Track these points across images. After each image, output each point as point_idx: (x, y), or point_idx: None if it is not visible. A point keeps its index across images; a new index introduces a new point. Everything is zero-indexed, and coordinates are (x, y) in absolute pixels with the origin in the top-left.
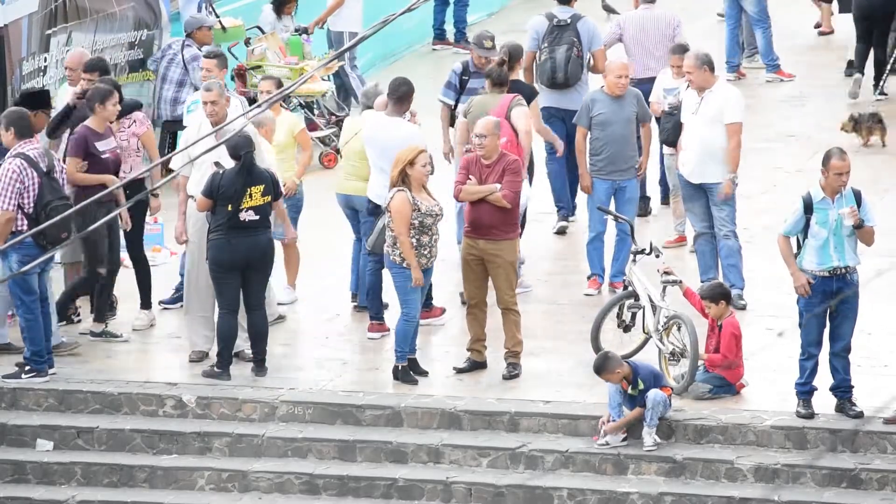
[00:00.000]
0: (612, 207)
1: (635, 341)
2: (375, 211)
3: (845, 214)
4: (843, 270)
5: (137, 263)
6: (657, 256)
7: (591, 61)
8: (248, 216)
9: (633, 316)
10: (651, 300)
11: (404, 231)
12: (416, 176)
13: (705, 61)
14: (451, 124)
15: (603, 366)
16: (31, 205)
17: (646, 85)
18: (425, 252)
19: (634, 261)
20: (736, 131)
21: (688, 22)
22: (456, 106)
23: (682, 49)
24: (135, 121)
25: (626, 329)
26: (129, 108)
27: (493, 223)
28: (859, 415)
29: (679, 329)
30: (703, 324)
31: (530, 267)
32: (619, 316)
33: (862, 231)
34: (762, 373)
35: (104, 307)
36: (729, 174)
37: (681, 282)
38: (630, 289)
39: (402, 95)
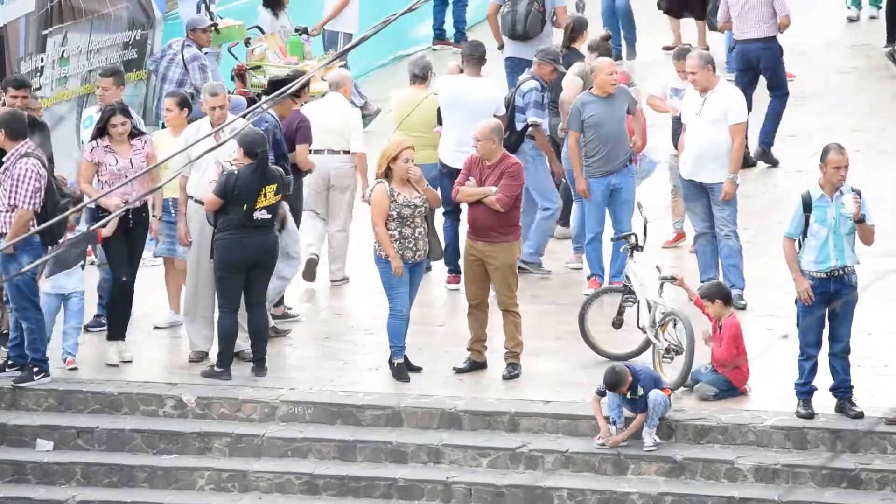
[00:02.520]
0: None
1: (637, 341)
2: (451, 175)
3: (848, 201)
4: (841, 272)
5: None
6: (636, 246)
7: (555, 16)
8: (261, 215)
9: (622, 311)
10: (647, 297)
11: (380, 222)
12: (398, 170)
13: (709, 60)
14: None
15: (616, 381)
16: (41, 204)
17: (745, 45)
18: (409, 245)
19: (632, 256)
20: (740, 132)
21: (688, 22)
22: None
23: (685, 53)
24: (146, 141)
25: (618, 325)
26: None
27: (490, 225)
28: (859, 415)
29: (675, 326)
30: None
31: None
32: (619, 313)
33: (862, 227)
34: (762, 373)
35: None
36: (730, 174)
37: (677, 278)
38: (627, 285)
39: (480, 56)
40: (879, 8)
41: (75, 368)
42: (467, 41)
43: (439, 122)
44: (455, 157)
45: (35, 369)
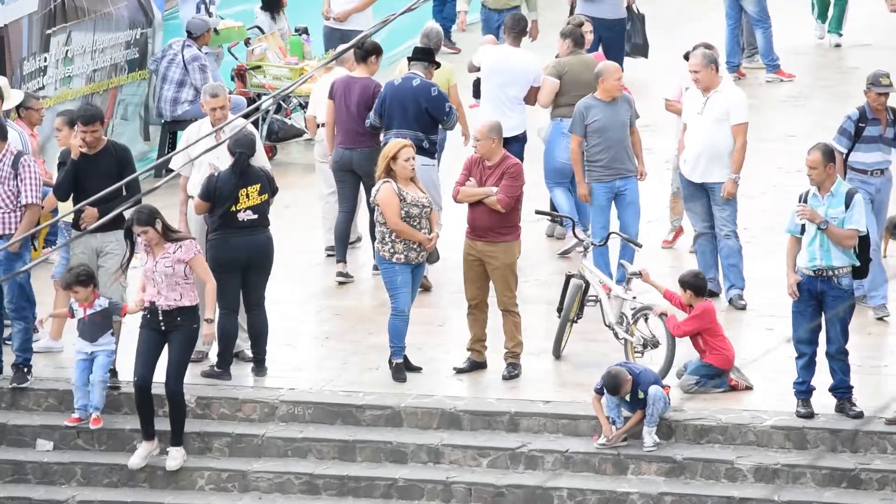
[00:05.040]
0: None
1: None
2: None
3: (797, 212)
4: (829, 272)
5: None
6: (592, 244)
7: None
8: (246, 216)
9: (581, 310)
10: (612, 292)
11: (396, 219)
12: (399, 170)
13: (712, 60)
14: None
15: (616, 385)
16: None
17: None
18: (414, 246)
19: (585, 255)
20: (742, 132)
21: (688, 21)
22: (848, 155)
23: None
24: (181, 246)
25: (571, 322)
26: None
27: (490, 225)
28: (859, 415)
29: (647, 320)
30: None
31: (530, 267)
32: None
33: (829, 232)
34: (762, 373)
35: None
36: (732, 174)
37: (641, 273)
38: (579, 282)
39: (522, 30)
40: (840, 35)
41: (99, 428)
42: (511, 17)
43: (475, 95)
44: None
45: (25, 370)
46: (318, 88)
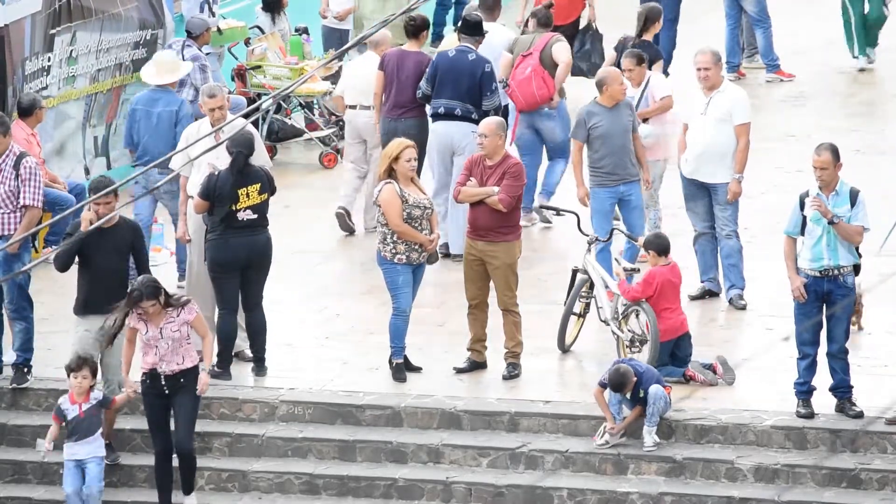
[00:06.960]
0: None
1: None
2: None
3: (807, 204)
4: (836, 272)
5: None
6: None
7: None
8: (246, 215)
9: (587, 306)
10: (608, 288)
11: (398, 220)
12: (401, 171)
13: (720, 58)
14: None
15: (622, 382)
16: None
17: None
18: (416, 247)
19: (589, 250)
20: (745, 132)
21: (688, 22)
22: None
23: (635, 55)
24: (183, 308)
25: (579, 317)
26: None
27: (490, 225)
28: (859, 415)
29: (637, 316)
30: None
31: (530, 266)
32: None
33: (837, 227)
34: (762, 373)
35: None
36: (736, 174)
37: (638, 270)
38: (584, 277)
39: (493, 4)
40: (871, 60)
41: None
42: None
43: None
44: None
45: (25, 370)
46: (348, 70)
